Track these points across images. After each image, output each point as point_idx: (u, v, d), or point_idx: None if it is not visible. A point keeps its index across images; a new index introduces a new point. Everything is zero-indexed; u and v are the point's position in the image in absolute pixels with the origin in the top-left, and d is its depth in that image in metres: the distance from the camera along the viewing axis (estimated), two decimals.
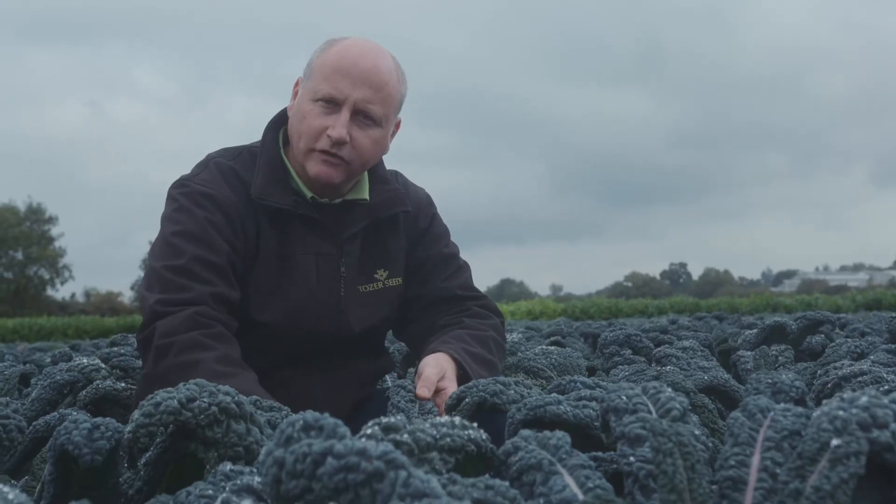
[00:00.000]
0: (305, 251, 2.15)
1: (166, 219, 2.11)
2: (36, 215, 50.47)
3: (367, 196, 2.22)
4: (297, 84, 2.19)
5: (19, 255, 48.97)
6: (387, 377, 2.51)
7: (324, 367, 2.21)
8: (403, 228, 2.30)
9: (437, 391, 1.95)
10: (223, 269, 2.05)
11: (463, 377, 2.02)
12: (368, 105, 2.06)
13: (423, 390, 1.90)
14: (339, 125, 2.05)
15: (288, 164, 2.17)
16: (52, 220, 50.80)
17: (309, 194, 2.16)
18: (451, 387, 1.95)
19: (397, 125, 2.22)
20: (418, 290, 2.32)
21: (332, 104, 2.06)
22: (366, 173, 2.24)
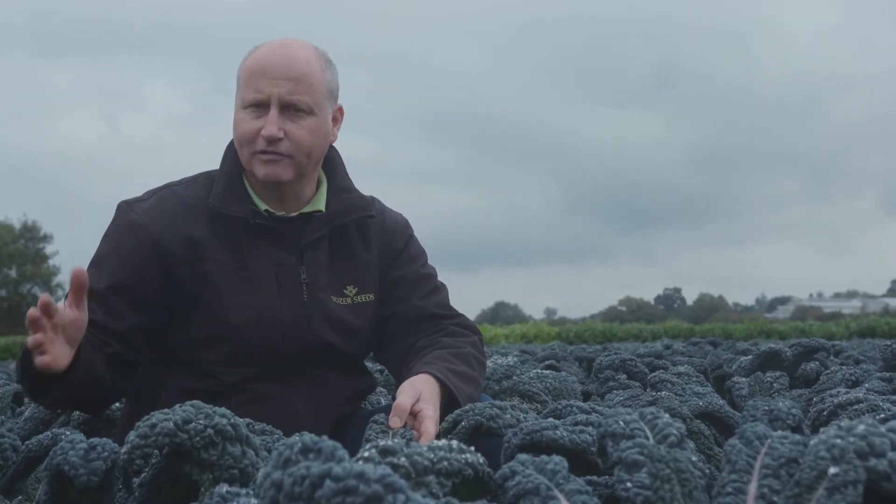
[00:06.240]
0: (263, 262, 2.17)
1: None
2: (31, 233, 50.37)
3: (322, 208, 2.24)
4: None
5: (13, 273, 48.81)
6: (380, 397, 2.49)
7: (303, 383, 2.20)
8: (377, 247, 2.32)
9: (414, 414, 1.94)
10: (103, 298, 2.07)
11: (448, 396, 2.02)
12: (293, 97, 2.12)
13: (395, 420, 1.89)
14: (269, 123, 2.11)
15: (245, 181, 2.22)
16: (46, 237, 50.70)
17: (264, 207, 2.18)
18: (428, 408, 1.94)
19: (340, 112, 2.27)
20: (394, 309, 2.33)
21: (260, 107, 2.13)
22: (325, 184, 2.27)
